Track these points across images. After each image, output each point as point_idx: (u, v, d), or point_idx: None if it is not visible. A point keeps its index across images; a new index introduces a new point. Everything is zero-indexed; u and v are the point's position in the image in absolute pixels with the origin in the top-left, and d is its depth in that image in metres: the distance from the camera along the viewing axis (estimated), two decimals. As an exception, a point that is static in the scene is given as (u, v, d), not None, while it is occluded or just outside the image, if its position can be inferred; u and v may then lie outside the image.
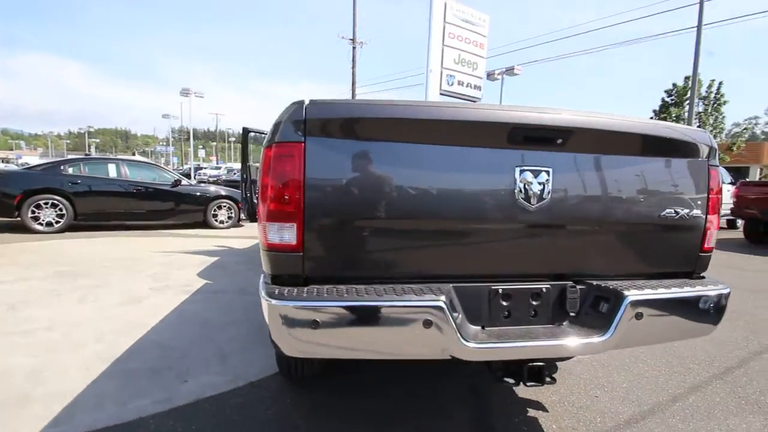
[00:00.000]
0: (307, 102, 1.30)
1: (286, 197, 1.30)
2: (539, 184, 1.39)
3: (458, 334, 1.26)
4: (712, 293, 1.50)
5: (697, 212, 1.58)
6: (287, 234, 1.31)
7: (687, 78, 22.56)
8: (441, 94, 9.57)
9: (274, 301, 1.24)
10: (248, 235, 7.62)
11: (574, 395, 2.30)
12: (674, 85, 23.84)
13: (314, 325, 1.21)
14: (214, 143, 75.88)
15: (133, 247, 6.09)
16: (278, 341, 1.27)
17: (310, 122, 1.29)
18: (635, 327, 1.40)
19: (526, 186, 1.39)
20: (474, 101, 9.79)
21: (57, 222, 6.85)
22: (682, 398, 2.30)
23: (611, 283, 1.48)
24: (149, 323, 3.08)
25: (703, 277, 1.67)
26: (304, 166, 1.28)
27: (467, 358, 1.28)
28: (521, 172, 1.39)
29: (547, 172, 1.40)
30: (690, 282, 1.58)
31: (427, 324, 1.24)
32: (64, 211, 6.85)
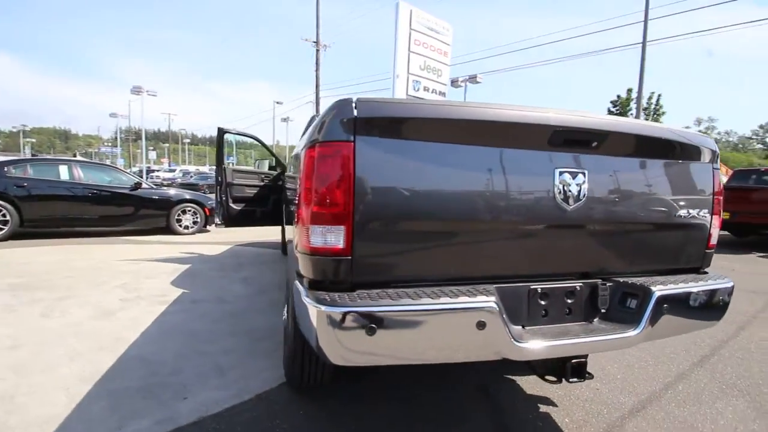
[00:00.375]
0: (356, 99, 1.26)
1: (333, 199, 1.24)
2: (576, 185, 1.44)
3: (510, 335, 1.27)
4: (724, 286, 1.63)
5: (705, 212, 1.70)
6: (334, 237, 1.25)
7: (629, 90, 24.64)
8: (408, 99, 9.70)
9: (324, 308, 1.17)
10: (216, 241, 7.26)
11: (577, 389, 2.38)
12: (618, 96, 25.84)
13: (370, 331, 1.16)
14: (166, 145, 71.93)
15: (92, 256, 5.60)
16: (327, 350, 1.20)
17: (360, 121, 1.24)
18: (661, 320, 1.48)
19: (565, 187, 1.43)
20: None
21: (0, 229, 6.17)
22: (672, 386, 2.46)
23: (637, 280, 1.56)
24: (129, 338, 2.84)
25: (707, 272, 1.80)
26: (354, 166, 1.23)
27: (519, 358, 1.29)
28: (560, 173, 1.43)
29: (583, 174, 1.46)
30: (700, 277, 1.70)
31: (481, 325, 1.23)
32: (8, 217, 6.18)
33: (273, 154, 5.77)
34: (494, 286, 1.38)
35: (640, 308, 1.47)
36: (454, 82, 23.21)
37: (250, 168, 6.60)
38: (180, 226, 7.88)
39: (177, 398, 2.11)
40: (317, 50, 23.58)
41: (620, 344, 1.43)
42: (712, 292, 1.60)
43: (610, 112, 26.08)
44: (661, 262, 1.71)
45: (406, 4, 9.46)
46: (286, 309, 2.23)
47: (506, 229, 1.44)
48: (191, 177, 29.00)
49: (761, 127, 60.80)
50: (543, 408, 2.18)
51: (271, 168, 5.73)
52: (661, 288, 1.48)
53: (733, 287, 1.68)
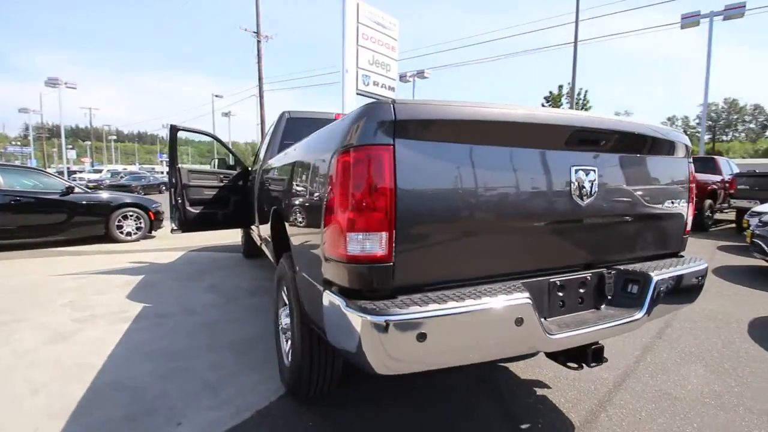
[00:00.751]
0: (393, 102, 1.22)
1: (373, 205, 1.20)
2: (589, 182, 1.54)
3: (543, 328, 1.32)
4: (703, 267, 1.84)
5: (684, 201, 1.90)
6: (374, 244, 1.21)
7: (560, 87, 26.75)
8: (358, 94, 9.65)
9: (371, 317, 1.14)
10: (166, 247, 6.74)
11: (565, 370, 2.53)
12: (551, 92, 27.86)
13: (421, 337, 1.15)
14: (87, 142, 64.88)
15: (23, 272, 4.95)
16: (373, 360, 1.17)
17: (400, 123, 1.21)
18: (659, 301, 1.63)
19: (580, 184, 1.52)
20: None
21: None
22: (642, 358, 2.73)
23: (635, 266, 1.71)
24: (95, 362, 2.56)
25: (683, 256, 2.01)
26: (395, 171, 1.20)
27: (551, 350, 1.35)
28: (576, 171, 1.52)
29: (594, 171, 1.56)
30: (683, 260, 1.90)
31: (519, 322, 1.27)
32: None
33: (233, 153, 5.45)
34: (521, 281, 1.43)
35: (641, 293, 1.62)
36: (402, 77, 23.54)
37: (207, 168, 6.17)
38: (122, 233, 7.21)
39: (170, 424, 1.94)
40: (258, 41, 22.56)
41: (631, 327, 1.56)
42: (697, 273, 1.80)
43: (543, 106, 28.06)
44: (652, 249, 1.89)
45: (353, -3, 9.35)
46: (288, 316, 2.13)
47: (532, 226, 1.51)
48: (121, 177, 26.57)
49: (669, 119, 68.82)
50: (539, 391, 2.31)
51: (229, 167, 5.42)
52: (658, 273, 1.64)
53: (707, 268, 1.90)
